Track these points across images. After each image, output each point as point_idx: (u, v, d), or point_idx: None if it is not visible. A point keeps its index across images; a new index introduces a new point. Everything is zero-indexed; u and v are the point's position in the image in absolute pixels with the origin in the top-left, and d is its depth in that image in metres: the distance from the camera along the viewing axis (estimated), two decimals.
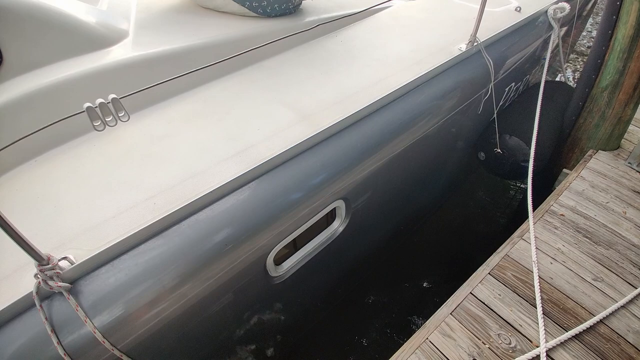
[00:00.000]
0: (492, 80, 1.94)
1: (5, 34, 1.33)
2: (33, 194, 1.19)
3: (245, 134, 1.37)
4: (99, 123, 0.84)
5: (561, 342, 1.35)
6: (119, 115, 0.87)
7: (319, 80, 1.66)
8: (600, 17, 2.23)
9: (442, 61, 1.76)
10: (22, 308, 0.93)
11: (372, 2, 2.26)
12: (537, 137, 2.09)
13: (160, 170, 1.24)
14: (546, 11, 2.34)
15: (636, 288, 1.54)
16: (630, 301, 1.50)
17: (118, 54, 1.50)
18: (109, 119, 0.87)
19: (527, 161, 2.13)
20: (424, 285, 2.05)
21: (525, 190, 2.00)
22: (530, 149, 2.08)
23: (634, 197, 1.95)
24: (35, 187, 1.21)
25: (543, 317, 1.41)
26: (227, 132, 1.38)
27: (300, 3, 2.03)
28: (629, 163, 2.16)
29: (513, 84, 2.32)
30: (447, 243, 2.17)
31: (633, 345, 1.37)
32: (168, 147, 1.33)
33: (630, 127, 2.51)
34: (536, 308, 1.44)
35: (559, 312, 1.45)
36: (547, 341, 1.34)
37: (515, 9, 2.27)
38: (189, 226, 1.11)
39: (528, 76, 2.52)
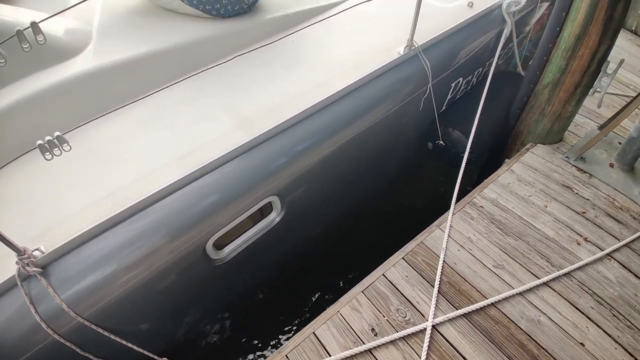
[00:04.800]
0: (430, 82, 2.07)
1: None
2: (9, 195, 1.46)
3: (188, 140, 1.60)
4: (48, 154, 1.11)
5: (449, 319, 1.60)
6: (62, 146, 1.12)
7: (263, 85, 1.84)
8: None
9: (378, 66, 1.90)
10: (8, 286, 1.24)
11: None
12: (477, 130, 2.24)
13: (113, 172, 1.50)
14: (501, 5, 2.39)
15: (539, 278, 1.75)
16: (530, 290, 1.70)
17: (79, 65, 1.70)
18: (55, 150, 1.12)
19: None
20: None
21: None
22: (470, 139, 2.23)
23: (560, 191, 2.11)
24: (11, 189, 1.48)
25: (437, 296, 1.66)
26: (172, 138, 1.61)
27: (257, 1, 2.14)
28: (566, 157, 2.29)
29: (461, 78, 2.42)
30: (392, 231, 2.39)
31: (525, 332, 1.57)
32: (121, 151, 1.57)
33: (581, 120, 2.61)
34: (434, 288, 1.69)
35: (455, 292, 1.69)
36: (436, 316, 1.60)
37: (468, 4, 2.33)
38: (137, 220, 1.39)
39: (481, 69, 2.60)
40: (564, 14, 2.01)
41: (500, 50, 2.49)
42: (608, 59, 2.09)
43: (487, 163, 2.80)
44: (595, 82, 2.14)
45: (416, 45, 1.98)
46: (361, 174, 2.19)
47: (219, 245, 1.68)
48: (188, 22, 1.99)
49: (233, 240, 1.72)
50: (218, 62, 1.92)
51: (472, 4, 2.33)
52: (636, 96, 2.09)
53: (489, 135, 2.59)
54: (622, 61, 2.09)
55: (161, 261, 1.45)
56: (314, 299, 2.00)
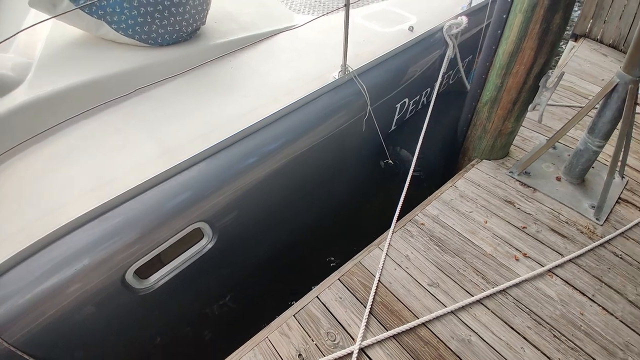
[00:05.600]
0: (369, 104, 2.11)
1: None
2: None
3: (108, 169, 1.61)
4: None
5: (378, 341, 1.55)
6: None
7: (195, 111, 1.87)
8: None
9: (312, 90, 1.94)
10: None
11: (278, 22, 2.45)
12: (423, 148, 2.27)
13: (31, 206, 1.50)
14: (442, 27, 2.48)
15: (473, 296, 1.72)
16: (463, 308, 1.66)
17: (11, 99, 1.74)
18: None
19: (416, 170, 2.31)
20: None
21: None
22: (414, 158, 2.25)
23: (501, 207, 2.11)
24: None
25: (368, 317, 1.62)
26: (93, 168, 1.62)
27: (198, 28, 2.21)
28: (510, 172, 2.30)
29: (407, 99, 2.47)
30: (340, 253, 2.36)
31: (454, 353, 1.52)
32: (42, 185, 1.57)
33: (529, 134, 2.64)
34: (366, 309, 1.65)
35: (387, 313, 1.65)
36: (365, 339, 1.56)
37: (408, 29, 2.42)
38: (50, 250, 1.39)
39: (429, 89, 2.66)
40: (499, 32, 2.05)
41: (445, 72, 2.56)
42: (549, 72, 2.13)
43: (442, 180, 2.81)
44: (536, 97, 2.18)
45: (351, 70, 2.03)
46: (305, 197, 2.19)
47: (144, 274, 1.66)
48: (126, 51, 2.04)
49: (160, 268, 1.70)
50: (153, 89, 1.96)
51: (413, 28, 2.42)
52: (583, 108, 2.11)
53: (439, 153, 2.62)
54: (562, 74, 2.14)
55: (80, 291, 1.43)
56: (253, 328, 1.94)
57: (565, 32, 2.12)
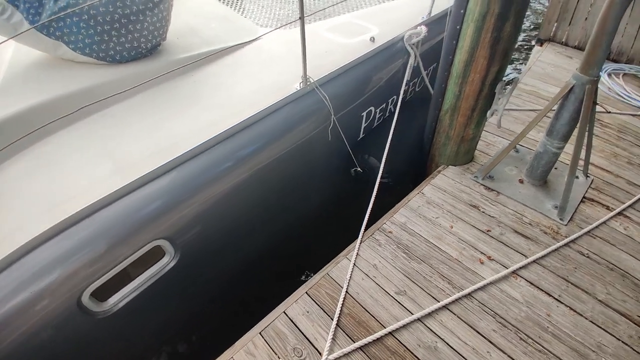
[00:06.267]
0: (333, 114, 2.13)
1: None
2: None
3: (65, 189, 1.56)
4: None
5: (345, 354, 1.53)
6: None
7: (154, 128, 1.84)
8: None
9: (274, 102, 1.95)
10: None
11: (241, 36, 2.46)
12: (389, 155, 2.29)
13: None
14: (403, 37, 2.53)
15: (439, 302, 1.72)
16: (429, 314, 1.66)
17: None
18: None
19: (384, 177, 2.32)
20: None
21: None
22: (381, 166, 2.26)
23: (466, 211, 2.14)
24: None
25: (335, 330, 1.59)
26: (49, 189, 1.56)
27: (159, 44, 2.20)
28: (475, 177, 2.35)
29: (373, 108, 2.51)
30: (313, 264, 2.32)
31: None
32: None
33: (493, 138, 2.70)
34: (333, 321, 1.63)
35: (354, 324, 1.63)
36: (331, 352, 1.53)
37: (370, 39, 2.46)
38: (5, 275, 1.34)
39: (395, 97, 2.71)
40: (454, 42, 2.10)
41: (410, 80, 2.61)
42: (504, 79, 2.20)
43: (414, 187, 2.83)
44: (493, 104, 2.24)
45: (312, 81, 2.05)
46: (273, 209, 2.16)
47: (102, 296, 1.60)
48: (85, 70, 2.02)
49: (119, 290, 1.65)
50: (113, 105, 1.93)
51: (374, 38, 2.46)
52: (540, 112, 2.17)
53: (409, 160, 2.65)
54: (516, 81, 2.21)
55: (34, 317, 1.37)
56: (221, 348, 1.87)
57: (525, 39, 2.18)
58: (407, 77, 2.51)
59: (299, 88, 2.04)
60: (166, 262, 1.71)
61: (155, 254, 1.71)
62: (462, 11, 1.96)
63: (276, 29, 1.90)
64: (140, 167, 1.62)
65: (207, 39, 2.38)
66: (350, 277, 1.79)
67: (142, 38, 2.06)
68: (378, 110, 2.60)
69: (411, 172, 2.74)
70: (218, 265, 2.00)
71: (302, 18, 1.75)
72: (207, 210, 1.76)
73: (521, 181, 2.33)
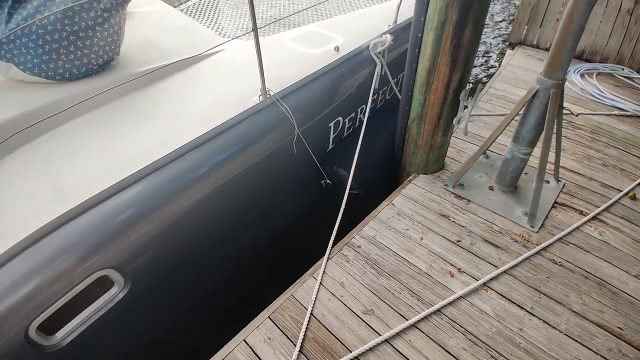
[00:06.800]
0: (296, 126, 2.06)
1: None
2: None
3: (3, 220, 1.44)
4: None
5: None
6: None
7: (102, 147, 1.73)
8: None
9: (231, 116, 1.87)
10: None
11: (203, 48, 2.38)
12: (359, 166, 2.22)
13: None
14: (368, 46, 2.50)
15: (407, 320, 1.65)
16: (397, 334, 1.58)
17: None
18: None
19: (354, 189, 2.26)
20: None
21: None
22: (349, 177, 2.20)
23: (437, 221, 2.09)
24: None
25: (298, 357, 1.50)
26: None
27: (112, 59, 2.10)
28: (445, 185, 2.30)
29: (341, 118, 2.45)
30: (282, 284, 2.23)
31: None
32: None
33: (464, 145, 2.68)
34: (296, 347, 1.55)
35: (318, 350, 1.55)
36: None
37: (334, 49, 2.41)
38: None
39: (364, 106, 2.66)
40: (416, 50, 2.07)
41: (378, 88, 2.57)
42: (469, 85, 2.17)
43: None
44: (459, 111, 2.21)
45: (272, 93, 1.98)
46: (235, 228, 2.07)
47: (50, 330, 1.49)
48: (34, 90, 1.91)
49: (68, 322, 1.53)
50: (60, 125, 1.82)
51: (339, 48, 2.42)
52: (505, 117, 2.14)
53: (380, 170, 2.60)
54: (481, 86, 2.18)
55: None
56: None
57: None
58: (374, 86, 2.47)
59: (258, 101, 1.97)
60: (115, 293, 1.60)
61: (106, 283, 1.60)
62: (422, 19, 1.93)
63: (232, 39, 1.83)
64: (83, 192, 1.51)
65: (164, 51, 2.29)
66: (315, 297, 1.71)
67: (93, 54, 1.96)
68: (347, 120, 2.54)
69: (385, 182, 2.69)
70: (175, 293, 1.88)
71: (255, 29, 1.69)
72: (161, 235, 1.65)
73: (491, 188, 2.30)
